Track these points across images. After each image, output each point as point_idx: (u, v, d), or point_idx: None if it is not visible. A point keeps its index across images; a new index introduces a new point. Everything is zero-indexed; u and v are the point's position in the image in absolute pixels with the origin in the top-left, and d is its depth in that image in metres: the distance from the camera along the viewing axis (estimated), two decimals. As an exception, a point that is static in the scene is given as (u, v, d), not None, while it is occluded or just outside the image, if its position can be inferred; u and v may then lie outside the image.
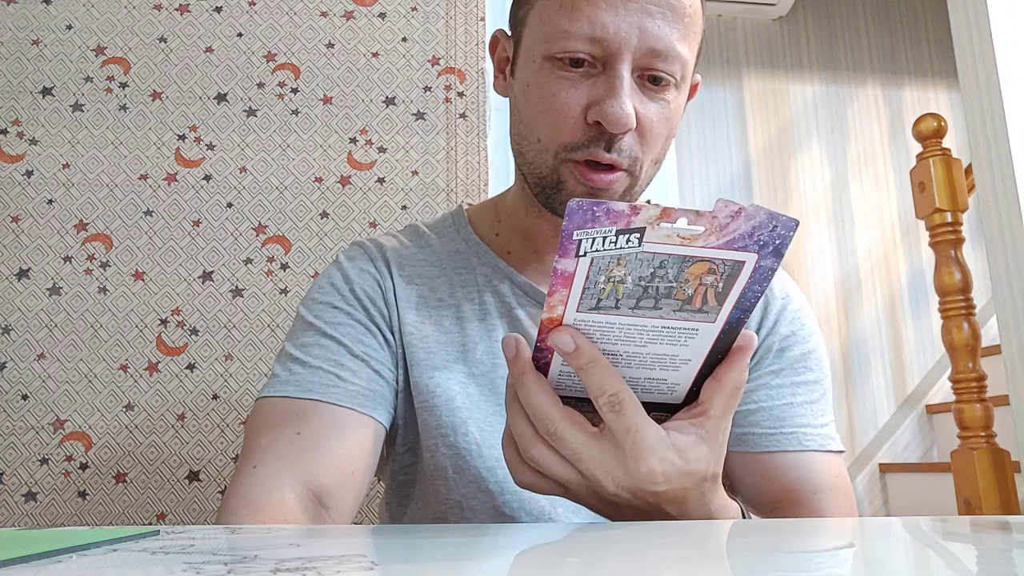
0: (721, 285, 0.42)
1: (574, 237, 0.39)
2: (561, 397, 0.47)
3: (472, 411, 0.68)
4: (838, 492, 0.68)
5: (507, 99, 0.72)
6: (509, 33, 0.72)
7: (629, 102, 0.61)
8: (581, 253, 0.40)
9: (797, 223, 0.40)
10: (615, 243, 0.39)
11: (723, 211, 0.39)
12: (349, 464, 0.62)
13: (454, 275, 0.73)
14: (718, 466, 0.48)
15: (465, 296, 0.72)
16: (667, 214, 0.39)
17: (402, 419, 0.71)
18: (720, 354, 0.46)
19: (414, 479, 0.72)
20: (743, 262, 0.41)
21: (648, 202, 0.79)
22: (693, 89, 0.72)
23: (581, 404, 0.46)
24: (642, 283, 0.41)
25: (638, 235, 0.39)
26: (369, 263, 0.73)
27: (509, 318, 0.71)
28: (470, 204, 0.82)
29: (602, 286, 0.42)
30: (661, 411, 0.48)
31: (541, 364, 0.46)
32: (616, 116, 0.60)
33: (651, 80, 0.63)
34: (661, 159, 0.68)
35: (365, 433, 0.64)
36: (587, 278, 0.41)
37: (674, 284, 0.41)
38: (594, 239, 0.39)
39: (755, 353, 0.70)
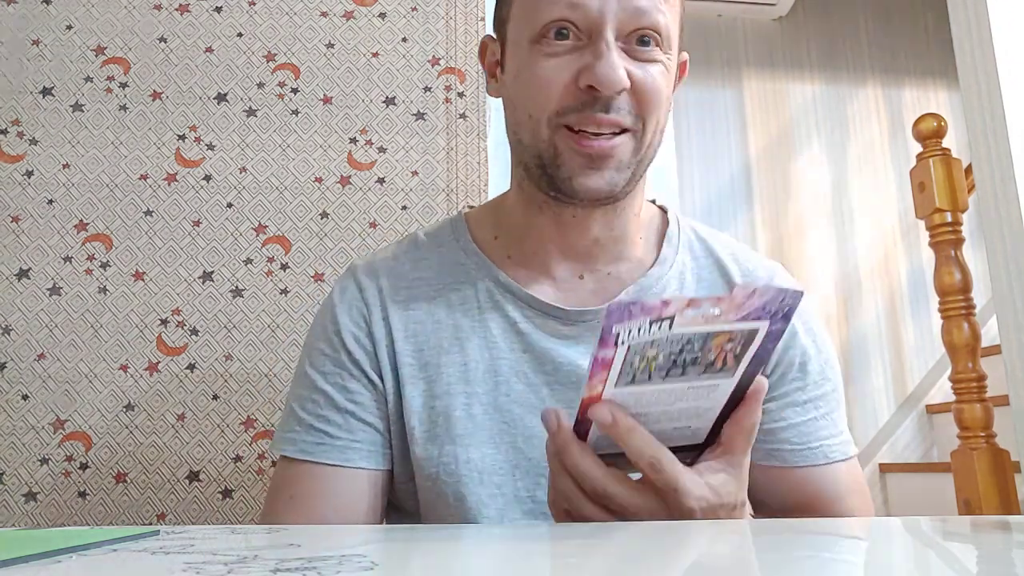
0: (739, 348, 0.47)
1: (613, 331, 0.44)
2: (600, 455, 0.51)
3: (474, 434, 0.67)
4: (856, 495, 0.71)
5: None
6: (495, 36, 0.72)
7: (620, 63, 0.62)
8: (620, 343, 0.45)
9: (802, 293, 0.46)
10: (648, 330, 0.45)
11: (740, 293, 0.45)
12: (335, 517, 0.68)
13: (452, 293, 0.72)
14: (744, 494, 0.53)
15: (464, 314, 0.71)
16: (693, 303, 0.44)
17: (398, 451, 0.70)
18: (736, 399, 0.51)
19: (416, 507, 0.71)
20: (757, 329, 0.46)
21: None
22: (682, 68, 0.73)
23: (617, 458, 0.51)
24: (672, 357, 0.47)
25: (669, 322, 0.45)
26: (358, 296, 0.73)
27: (513, 333, 0.70)
28: (471, 207, 0.80)
29: (637, 365, 0.47)
30: (686, 452, 0.53)
31: (582, 431, 0.51)
32: (607, 76, 0.61)
33: (638, 42, 0.63)
34: (664, 127, 0.68)
35: (353, 484, 0.69)
36: (624, 361, 0.46)
37: (699, 354, 0.47)
38: (631, 330, 0.44)
39: (779, 366, 0.72)
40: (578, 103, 0.63)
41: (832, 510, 0.70)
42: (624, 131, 0.64)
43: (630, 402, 0.49)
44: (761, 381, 0.51)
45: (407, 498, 0.72)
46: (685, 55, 0.73)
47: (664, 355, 0.46)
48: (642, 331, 0.44)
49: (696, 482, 0.50)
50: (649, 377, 0.47)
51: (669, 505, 0.49)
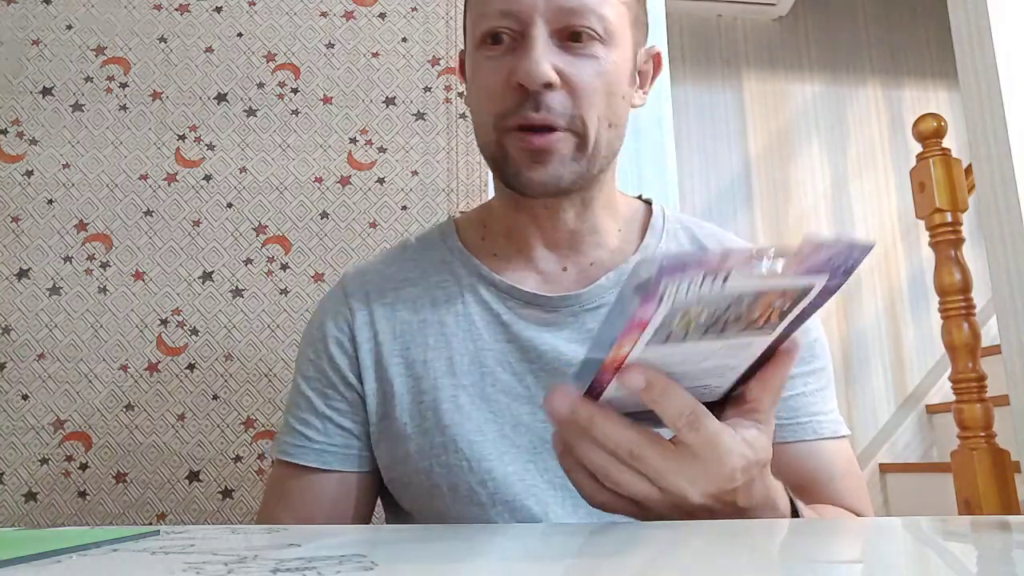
0: (788, 305, 0.43)
1: (661, 286, 0.39)
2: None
3: (462, 424, 0.68)
4: (850, 477, 0.71)
5: None
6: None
7: (544, 60, 0.63)
8: (662, 300, 0.39)
9: (872, 246, 0.41)
10: (700, 287, 0.39)
11: (806, 246, 0.40)
12: (321, 514, 0.72)
13: (437, 290, 0.74)
14: (771, 452, 0.51)
15: (449, 310, 0.73)
16: (756, 255, 0.39)
17: (388, 451, 0.72)
18: (764, 357, 0.48)
19: (412, 507, 0.73)
20: (812, 286, 0.42)
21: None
22: (656, 60, 0.75)
23: (639, 417, 0.47)
24: (714, 316, 0.42)
25: (724, 277, 0.39)
26: (343, 302, 0.76)
27: (497, 325, 0.71)
28: (462, 213, 0.83)
29: (676, 324, 0.41)
30: None
31: (592, 395, 0.47)
32: (528, 71, 0.63)
33: (572, 38, 0.65)
34: (616, 122, 0.68)
35: (333, 486, 0.72)
36: (662, 320, 0.41)
37: (744, 311, 0.42)
38: (679, 286, 0.39)
39: None
40: (513, 104, 0.65)
41: (824, 492, 0.69)
42: (565, 128, 0.65)
43: (654, 363, 0.44)
44: (795, 339, 0.48)
45: (404, 495, 0.73)
46: (656, 48, 0.75)
47: (708, 313, 0.41)
48: (692, 287, 0.39)
49: (735, 438, 0.47)
50: (684, 337, 0.42)
51: (707, 464, 0.46)
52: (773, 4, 3.04)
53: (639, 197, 0.81)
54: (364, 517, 0.75)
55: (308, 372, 0.75)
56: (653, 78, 0.75)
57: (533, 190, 0.67)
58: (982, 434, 1.82)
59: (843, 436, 0.73)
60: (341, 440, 0.73)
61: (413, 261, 0.77)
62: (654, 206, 0.79)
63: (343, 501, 0.72)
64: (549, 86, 0.64)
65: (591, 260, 0.73)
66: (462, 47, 0.77)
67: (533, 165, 0.66)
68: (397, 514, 0.76)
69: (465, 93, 0.77)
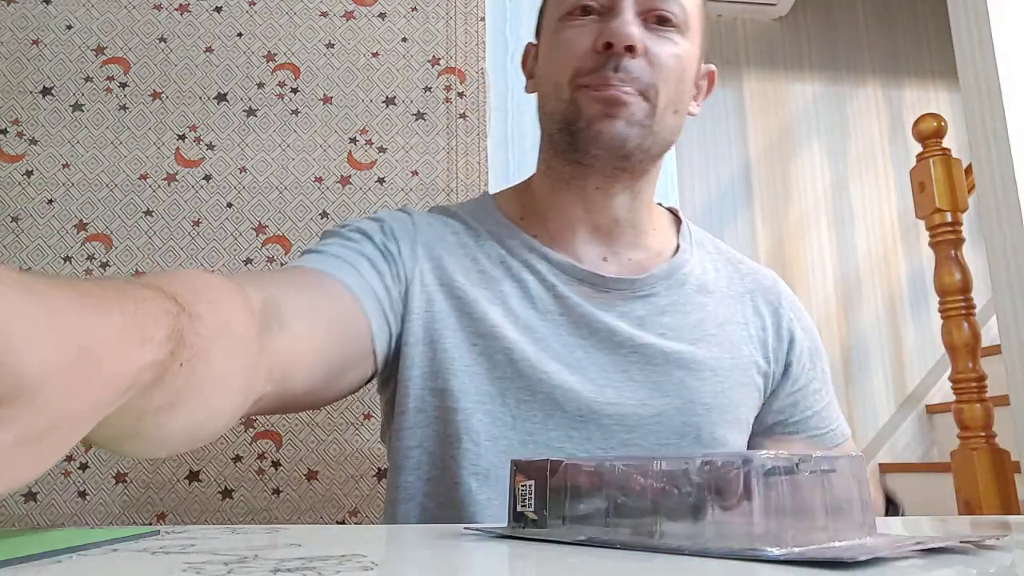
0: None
1: None
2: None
3: (513, 379, 0.69)
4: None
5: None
6: (536, 41, 0.78)
7: (633, 24, 0.67)
8: None
9: None
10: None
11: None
12: (313, 312, 0.59)
13: (492, 252, 0.74)
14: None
15: (506, 272, 0.73)
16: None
17: (433, 367, 0.69)
18: None
19: (443, 431, 0.70)
20: None
21: None
22: (710, 78, 0.79)
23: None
24: None
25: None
26: (409, 220, 0.74)
27: (552, 296, 0.72)
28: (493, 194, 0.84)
29: None
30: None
31: None
32: (618, 29, 0.66)
33: (656, 21, 0.69)
34: (679, 109, 0.72)
35: (344, 305, 0.63)
36: None
37: None
38: None
39: (801, 356, 0.78)
40: (595, 64, 0.67)
41: None
42: (638, 93, 0.68)
43: None
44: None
45: (443, 409, 0.70)
46: (713, 67, 0.79)
47: None
48: None
49: None
50: None
51: None
52: (773, 4, 3.04)
53: (660, 204, 0.84)
54: (332, 354, 0.62)
55: (354, 230, 0.70)
56: (707, 94, 0.79)
57: (600, 144, 0.68)
58: (982, 434, 1.82)
59: (848, 437, 0.81)
60: (379, 290, 0.67)
61: (463, 224, 0.77)
62: (680, 215, 0.84)
63: (332, 312, 0.62)
64: (632, 49, 0.67)
65: (629, 256, 0.75)
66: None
67: (605, 117, 0.67)
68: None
69: (531, 76, 0.78)
